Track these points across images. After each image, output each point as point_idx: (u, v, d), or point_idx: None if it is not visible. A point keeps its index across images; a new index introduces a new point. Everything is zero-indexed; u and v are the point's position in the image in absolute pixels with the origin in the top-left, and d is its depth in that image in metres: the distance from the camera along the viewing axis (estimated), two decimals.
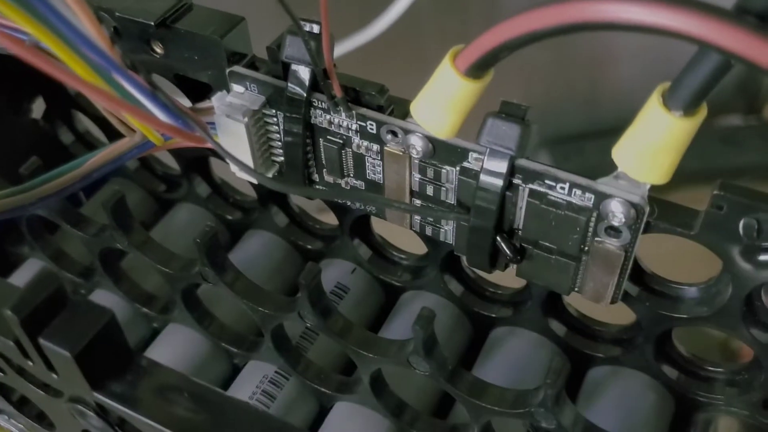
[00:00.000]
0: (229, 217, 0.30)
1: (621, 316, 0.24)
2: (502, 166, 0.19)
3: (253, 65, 0.23)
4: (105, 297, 0.28)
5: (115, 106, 0.18)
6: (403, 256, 0.27)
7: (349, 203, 0.25)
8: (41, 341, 0.19)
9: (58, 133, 0.32)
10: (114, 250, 0.26)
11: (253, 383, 0.25)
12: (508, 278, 0.24)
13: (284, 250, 0.29)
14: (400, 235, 0.27)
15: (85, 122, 0.32)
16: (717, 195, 0.18)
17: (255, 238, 0.29)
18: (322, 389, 0.24)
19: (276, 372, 0.25)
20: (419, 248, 0.26)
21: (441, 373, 0.20)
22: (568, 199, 0.19)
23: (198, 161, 0.29)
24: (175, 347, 0.26)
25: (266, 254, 0.29)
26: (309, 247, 0.28)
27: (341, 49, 0.50)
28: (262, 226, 0.29)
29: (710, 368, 0.23)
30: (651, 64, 0.54)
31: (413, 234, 0.24)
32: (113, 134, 0.25)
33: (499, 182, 0.20)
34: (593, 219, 0.19)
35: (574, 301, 0.25)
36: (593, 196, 0.19)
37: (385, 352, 0.21)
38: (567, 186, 0.19)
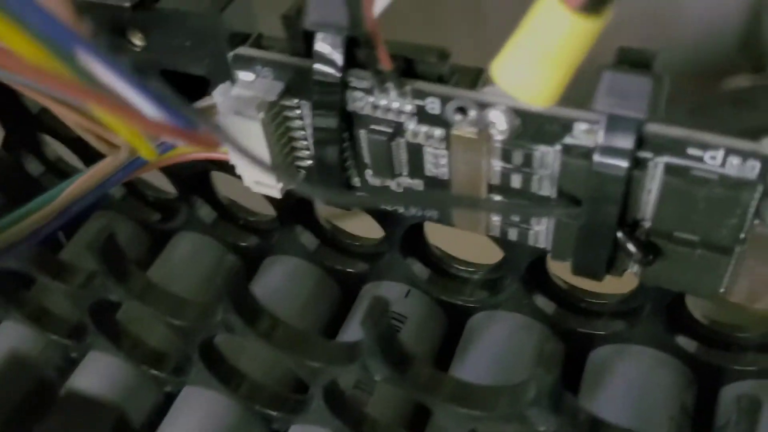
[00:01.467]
0: (243, 244, 0.25)
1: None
2: (628, 137, 0.15)
3: (260, 45, 0.18)
4: (103, 360, 0.23)
5: (86, 97, 0.13)
6: (471, 269, 0.22)
7: (402, 209, 0.20)
8: None
9: (23, 164, 0.28)
10: (107, 302, 0.21)
11: None
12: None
13: (316, 278, 0.24)
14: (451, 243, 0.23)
15: (55, 147, 0.28)
16: None
17: (278, 267, 0.25)
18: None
19: None
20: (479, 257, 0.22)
21: (573, 427, 0.16)
22: (722, 171, 0.15)
23: (198, 179, 0.24)
24: (196, 417, 0.21)
25: (294, 285, 0.24)
26: (349, 270, 0.24)
27: None
28: (285, 250, 0.25)
29: (737, 334, 0.20)
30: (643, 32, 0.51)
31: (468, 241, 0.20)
32: (92, 158, 0.21)
33: (624, 161, 0.15)
34: (757, 195, 0.15)
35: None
36: (759, 164, 0.14)
37: (492, 405, 0.16)
38: (720, 153, 0.15)
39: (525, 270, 0.21)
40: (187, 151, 0.20)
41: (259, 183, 0.20)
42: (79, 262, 0.22)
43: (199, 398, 0.22)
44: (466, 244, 0.22)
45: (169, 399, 0.23)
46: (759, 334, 0.20)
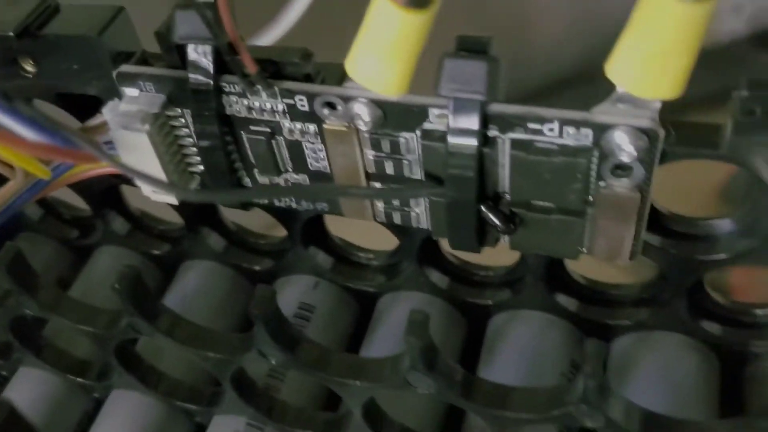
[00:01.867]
0: (157, 252, 0.26)
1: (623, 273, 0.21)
2: (473, 118, 0.16)
3: (145, 61, 0.19)
4: (30, 375, 0.24)
5: None
6: (371, 255, 0.23)
7: (294, 204, 0.21)
8: None
9: None
10: (26, 318, 0.22)
11: None
12: (496, 256, 0.21)
13: (228, 278, 0.25)
14: (360, 235, 0.24)
15: None
16: (747, 97, 0.15)
17: (192, 271, 0.25)
18: None
19: (248, 424, 0.21)
20: (386, 244, 0.23)
21: (450, 387, 0.17)
22: (561, 141, 0.16)
23: (109, 194, 0.25)
24: (124, 417, 0.22)
25: (208, 287, 0.25)
26: (256, 268, 0.25)
27: None
28: (196, 254, 0.25)
29: (759, 312, 0.20)
30: (577, 17, 0.52)
31: (373, 230, 0.21)
32: None
33: (473, 140, 0.16)
34: (595, 160, 0.16)
35: (578, 267, 0.21)
36: (591, 131, 0.16)
37: (377, 375, 0.18)
38: (556, 125, 0.16)
39: (418, 251, 0.22)
40: (87, 168, 0.21)
41: (155, 192, 0.21)
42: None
43: (124, 400, 0.23)
44: (373, 233, 0.23)
45: (99, 404, 0.24)
46: (633, 290, 0.21)
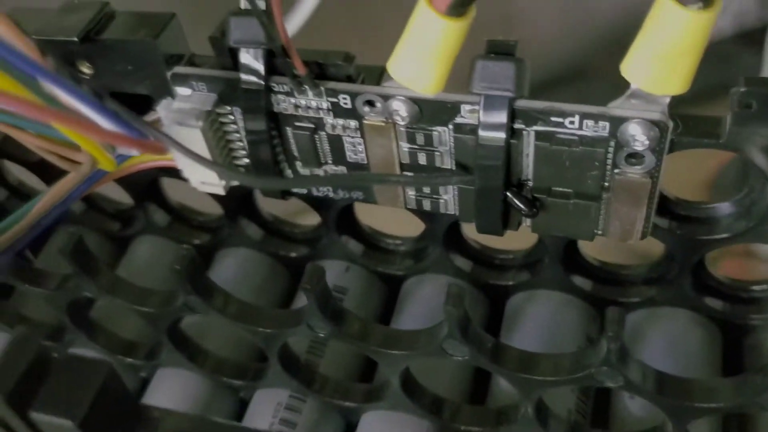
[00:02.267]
0: (197, 242, 0.28)
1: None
2: (501, 113, 0.18)
3: (193, 63, 0.21)
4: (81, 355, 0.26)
5: (50, 118, 0.16)
6: (398, 241, 0.25)
7: (331, 193, 0.23)
8: (34, 415, 0.17)
9: None
10: (81, 301, 0.24)
11: (268, 414, 0.23)
12: (512, 241, 0.23)
13: (266, 265, 0.27)
14: (385, 223, 0.26)
15: (16, 172, 0.30)
16: (744, 92, 0.17)
17: (230, 259, 0.27)
18: (347, 403, 0.22)
19: (290, 396, 0.23)
20: (409, 231, 0.25)
21: (483, 354, 0.19)
22: (580, 133, 0.18)
23: (150, 187, 0.27)
24: (171, 394, 0.24)
25: (246, 273, 0.27)
26: (293, 255, 0.27)
27: None
28: (234, 243, 0.27)
29: (756, 288, 0.22)
30: (568, 15, 0.54)
31: (398, 219, 0.23)
32: (52, 179, 0.23)
33: (501, 132, 0.18)
34: (611, 149, 0.18)
35: (590, 249, 0.23)
36: (608, 124, 0.18)
37: (414, 344, 0.20)
38: (577, 118, 0.18)
39: (443, 236, 0.24)
40: (139, 161, 0.23)
41: (204, 183, 0.23)
42: (52, 270, 0.25)
43: (171, 377, 0.25)
44: (396, 221, 0.25)
45: (145, 383, 0.26)
46: (642, 270, 0.23)
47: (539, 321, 0.23)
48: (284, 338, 0.21)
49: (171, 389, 0.24)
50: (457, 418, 0.21)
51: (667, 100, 0.17)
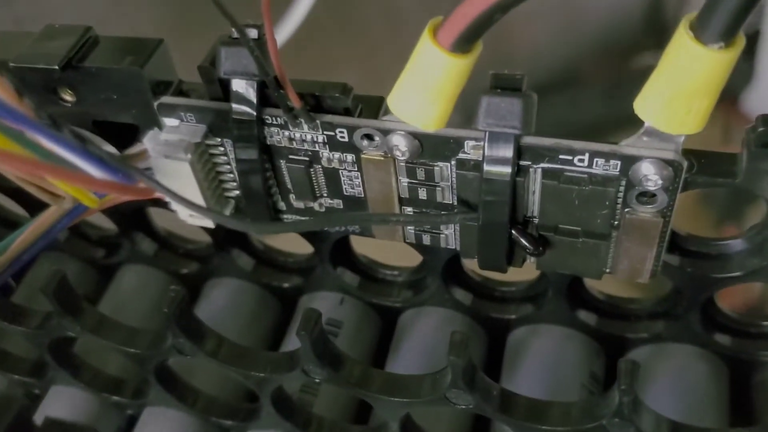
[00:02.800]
0: (185, 271, 0.27)
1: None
2: (507, 150, 0.17)
3: (181, 92, 0.20)
4: (65, 393, 0.25)
5: (39, 172, 0.15)
6: (396, 272, 0.25)
7: (326, 227, 0.22)
8: None
9: None
10: (64, 339, 0.23)
11: None
12: (514, 273, 0.22)
13: (256, 295, 0.26)
14: (379, 250, 0.25)
15: None
16: (762, 132, 0.16)
17: (219, 289, 0.26)
18: None
19: None
20: (405, 259, 0.24)
21: (488, 403, 0.18)
22: (590, 171, 0.17)
23: (137, 215, 0.26)
24: None
25: (236, 304, 0.26)
26: (285, 285, 0.26)
27: None
28: (224, 273, 0.26)
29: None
30: (559, 24, 0.53)
31: (396, 248, 0.22)
32: (33, 205, 0.22)
33: (507, 169, 0.17)
34: (622, 188, 0.17)
35: (596, 283, 0.23)
36: (620, 162, 0.17)
37: (417, 392, 0.19)
38: (586, 157, 0.17)
39: (443, 269, 0.23)
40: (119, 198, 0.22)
41: (193, 216, 0.22)
42: (33, 303, 0.24)
43: (159, 417, 0.24)
44: (394, 251, 0.24)
45: (132, 420, 0.25)
46: (649, 304, 0.22)
47: (542, 357, 0.23)
48: (278, 383, 0.20)
49: (159, 429, 0.23)
50: None
51: (682, 138, 0.16)
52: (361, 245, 0.25)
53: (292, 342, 0.25)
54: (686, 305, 0.21)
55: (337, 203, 0.21)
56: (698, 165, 0.17)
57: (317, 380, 0.19)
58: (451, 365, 0.17)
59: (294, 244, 0.25)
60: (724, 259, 0.19)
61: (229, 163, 0.20)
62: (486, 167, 0.18)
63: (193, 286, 0.27)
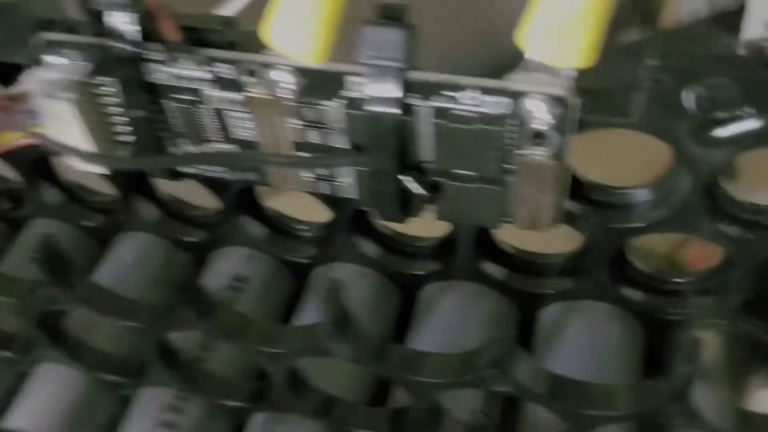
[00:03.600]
0: (91, 224, 0.26)
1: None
2: (392, 85, 0.16)
3: (70, 29, 0.19)
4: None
5: None
6: (305, 227, 0.24)
7: (223, 174, 0.21)
8: None
9: None
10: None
11: (150, 415, 0.21)
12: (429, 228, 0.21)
13: (163, 250, 0.25)
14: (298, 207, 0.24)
15: None
16: (655, 66, 0.15)
17: (127, 243, 0.25)
18: (231, 404, 0.20)
19: (175, 396, 0.21)
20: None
21: (365, 354, 0.17)
22: (479, 109, 0.16)
23: (39, 164, 0.25)
24: (50, 391, 0.22)
25: (143, 258, 0.25)
26: (193, 240, 0.24)
27: None
28: (131, 227, 0.25)
29: (677, 280, 0.20)
30: None
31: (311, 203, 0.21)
32: None
33: (393, 108, 0.16)
34: (512, 128, 0.16)
35: (510, 237, 0.22)
36: (508, 99, 0.16)
37: (296, 343, 0.18)
38: (475, 93, 0.16)
39: (351, 222, 0.22)
40: (10, 138, 0.21)
41: (81, 162, 0.21)
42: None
43: (50, 374, 0.22)
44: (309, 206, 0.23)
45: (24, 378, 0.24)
46: (559, 259, 0.21)
47: (449, 313, 0.22)
48: (159, 335, 0.19)
49: (49, 386, 0.22)
50: (350, 420, 0.20)
51: (573, 73, 0.15)
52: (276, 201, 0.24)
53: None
54: (595, 259, 0.20)
55: (231, 148, 0.20)
56: (592, 103, 0.16)
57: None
58: (325, 313, 0.16)
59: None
60: (628, 209, 0.18)
61: (119, 105, 0.19)
62: (371, 106, 0.17)
63: (104, 239, 0.26)
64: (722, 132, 0.16)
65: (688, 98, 0.15)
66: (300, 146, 0.19)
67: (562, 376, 0.16)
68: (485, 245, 0.21)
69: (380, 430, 0.20)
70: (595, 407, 0.16)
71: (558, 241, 0.21)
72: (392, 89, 0.16)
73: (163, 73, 0.18)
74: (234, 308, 0.18)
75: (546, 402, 0.16)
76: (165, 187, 0.25)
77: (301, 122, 0.18)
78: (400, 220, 0.20)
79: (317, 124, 0.18)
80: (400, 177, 0.18)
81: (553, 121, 0.16)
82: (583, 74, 0.16)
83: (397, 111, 0.16)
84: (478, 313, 0.22)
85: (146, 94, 0.19)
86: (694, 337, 0.15)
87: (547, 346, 0.21)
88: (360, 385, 0.21)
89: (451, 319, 0.21)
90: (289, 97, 0.17)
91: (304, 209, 0.23)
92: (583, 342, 0.21)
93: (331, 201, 0.21)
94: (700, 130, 0.16)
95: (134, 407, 0.22)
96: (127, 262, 0.25)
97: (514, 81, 0.16)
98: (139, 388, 0.22)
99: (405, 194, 0.18)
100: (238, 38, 0.18)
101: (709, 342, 0.21)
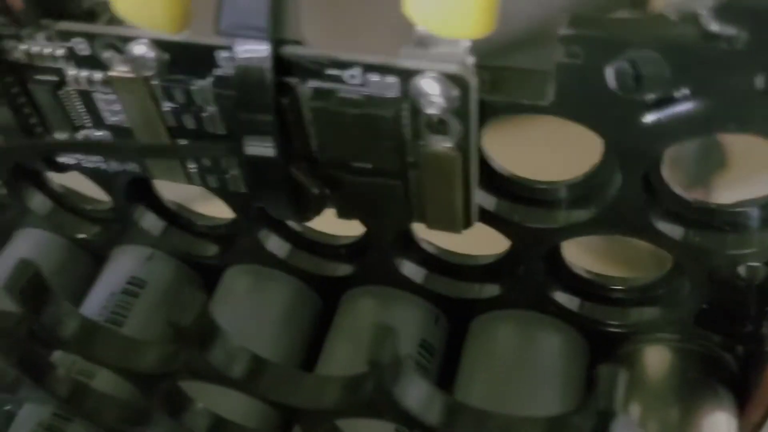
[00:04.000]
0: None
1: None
2: (260, 58, 0.14)
3: None
4: None
5: None
6: (209, 223, 0.21)
7: (101, 165, 0.18)
8: None
9: None
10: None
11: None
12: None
13: (62, 248, 0.22)
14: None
15: None
16: (567, 36, 0.12)
17: (20, 241, 0.23)
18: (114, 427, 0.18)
19: (54, 415, 0.19)
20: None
21: None
22: (365, 91, 0.14)
23: None
24: None
25: (41, 256, 0.22)
26: (84, 236, 0.22)
27: None
28: (23, 222, 0.22)
29: (619, 287, 0.18)
30: None
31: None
32: None
33: (266, 88, 0.14)
34: (405, 113, 0.14)
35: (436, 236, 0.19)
36: (397, 79, 0.14)
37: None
38: (358, 71, 0.14)
39: (259, 218, 0.19)
40: None
41: None
42: None
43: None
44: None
45: None
46: (488, 260, 0.19)
47: (366, 321, 0.19)
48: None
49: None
50: None
51: (467, 45, 0.13)
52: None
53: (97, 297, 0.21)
54: (524, 262, 0.17)
55: (105, 135, 0.17)
56: (498, 83, 0.14)
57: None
58: None
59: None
60: (552, 206, 0.16)
61: None
62: (241, 84, 0.14)
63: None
64: (651, 117, 0.13)
65: (610, 75, 0.13)
66: (176, 132, 0.16)
67: (460, 404, 0.14)
68: (404, 244, 0.19)
69: None
70: None
71: (492, 241, 0.19)
72: (262, 62, 0.14)
73: (18, 50, 0.16)
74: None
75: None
76: (58, 179, 0.22)
77: (172, 105, 0.16)
78: (298, 219, 0.17)
79: (189, 107, 0.16)
80: (291, 169, 0.15)
81: (448, 103, 0.13)
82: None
83: (269, 89, 0.14)
84: (399, 322, 0.19)
85: (3, 76, 0.16)
86: (614, 368, 0.12)
87: (476, 361, 0.19)
88: (260, 415, 0.19)
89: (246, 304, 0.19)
90: (153, 75, 0.15)
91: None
92: (515, 357, 0.19)
93: (230, 196, 0.19)
94: (628, 115, 0.13)
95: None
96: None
97: (400, 57, 0.13)
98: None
99: (299, 189, 0.16)
100: (99, 8, 0.15)
101: (657, 359, 0.18)
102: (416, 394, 0.14)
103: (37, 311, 0.15)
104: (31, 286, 0.15)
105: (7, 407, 0.20)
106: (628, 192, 0.15)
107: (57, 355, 0.19)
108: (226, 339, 0.15)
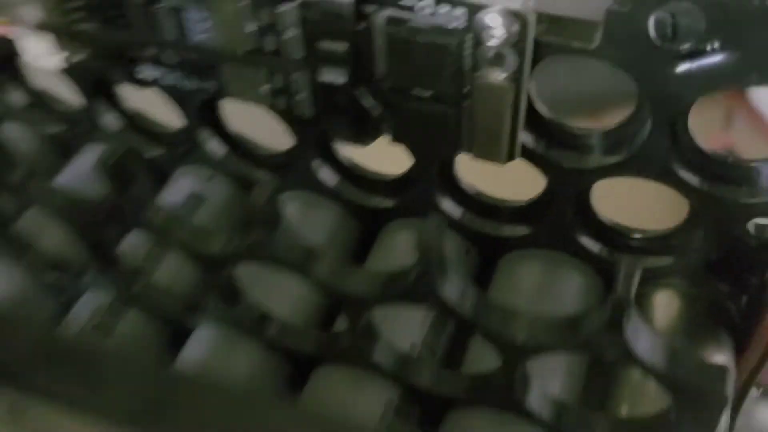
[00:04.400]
0: (55, 130, 0.25)
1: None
2: None
3: None
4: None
5: None
6: (266, 152, 0.23)
7: (182, 83, 0.20)
8: None
9: None
10: None
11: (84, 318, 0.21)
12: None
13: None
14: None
15: None
16: None
17: (88, 154, 0.25)
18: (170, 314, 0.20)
19: (113, 302, 0.21)
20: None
21: None
22: (434, 21, 0.16)
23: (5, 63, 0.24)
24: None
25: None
26: (154, 154, 0.24)
27: None
28: (93, 137, 0.24)
29: (638, 236, 0.20)
30: None
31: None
32: None
33: (345, 12, 0.16)
34: (469, 44, 0.16)
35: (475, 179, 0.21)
36: (464, 11, 0.15)
37: None
38: (430, 2, 0.16)
39: (315, 147, 0.21)
40: None
41: (40, 55, 0.20)
42: None
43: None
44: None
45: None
46: (521, 204, 0.21)
47: (403, 252, 0.21)
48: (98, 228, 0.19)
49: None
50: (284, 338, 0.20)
51: None
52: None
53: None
54: (555, 205, 0.19)
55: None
56: (553, 27, 0.15)
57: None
58: None
59: None
60: (586, 149, 0.18)
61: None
62: (323, 10, 0.16)
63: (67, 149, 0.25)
64: (683, 67, 0.15)
65: (651, 24, 0.15)
66: (255, 53, 0.18)
67: (490, 300, 0.16)
68: (446, 182, 0.21)
69: (311, 349, 0.19)
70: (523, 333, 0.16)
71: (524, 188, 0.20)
72: None
73: None
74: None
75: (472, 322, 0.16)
76: (131, 101, 0.24)
77: (258, 24, 0.18)
78: (354, 142, 0.19)
79: (271, 29, 0.17)
80: (355, 92, 0.17)
81: (508, 36, 0.15)
82: None
83: (350, 16, 0.16)
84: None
85: None
86: (633, 262, 0.14)
87: (501, 295, 0.21)
88: (306, 308, 0.21)
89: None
90: None
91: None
92: (538, 291, 0.21)
93: (289, 117, 0.20)
94: (663, 63, 0.15)
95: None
96: (87, 171, 0.24)
97: None
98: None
99: (360, 113, 0.18)
100: None
101: (666, 302, 0.20)
102: (453, 287, 0.16)
103: (123, 190, 0.17)
104: (121, 164, 0.17)
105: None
106: (655, 139, 0.17)
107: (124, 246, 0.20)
108: (289, 226, 0.17)
